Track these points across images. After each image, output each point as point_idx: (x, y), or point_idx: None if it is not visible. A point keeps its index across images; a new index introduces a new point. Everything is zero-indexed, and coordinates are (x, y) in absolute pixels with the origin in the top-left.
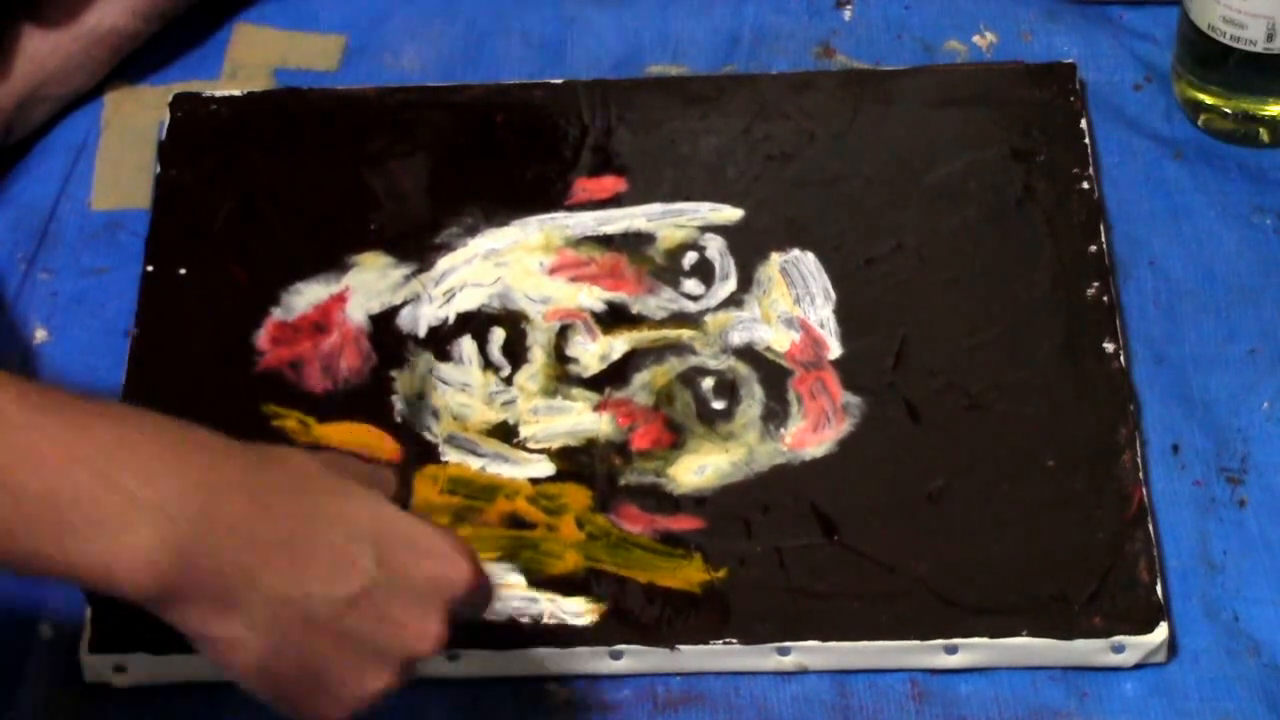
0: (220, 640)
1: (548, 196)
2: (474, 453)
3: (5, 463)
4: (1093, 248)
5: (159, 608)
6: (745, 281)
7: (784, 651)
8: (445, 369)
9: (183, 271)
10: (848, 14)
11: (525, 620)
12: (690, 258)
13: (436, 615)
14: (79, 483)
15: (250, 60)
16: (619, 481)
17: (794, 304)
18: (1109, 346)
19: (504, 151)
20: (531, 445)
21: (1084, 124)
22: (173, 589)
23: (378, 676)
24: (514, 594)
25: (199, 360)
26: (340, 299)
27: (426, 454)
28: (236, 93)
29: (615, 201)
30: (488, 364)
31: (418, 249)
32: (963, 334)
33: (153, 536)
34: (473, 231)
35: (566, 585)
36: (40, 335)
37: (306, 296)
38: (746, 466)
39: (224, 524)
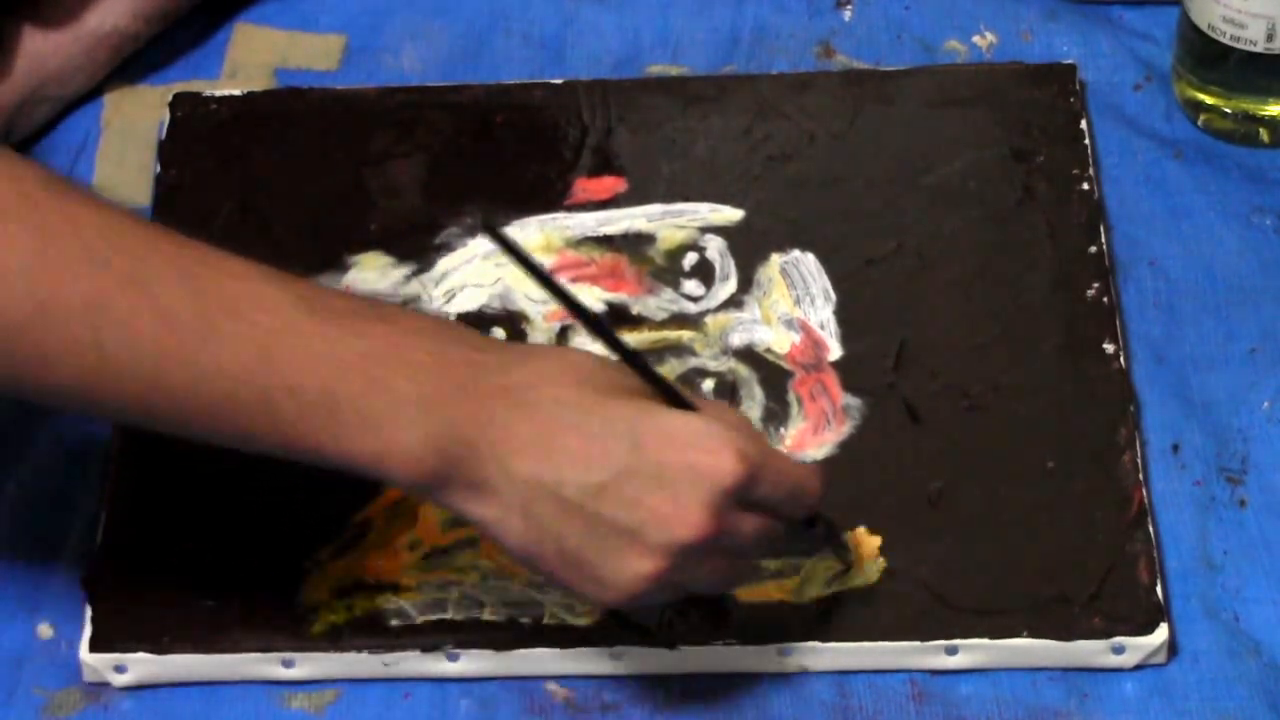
0: (484, 521)
1: (548, 197)
2: None
3: (289, 366)
4: (1093, 248)
5: (426, 494)
6: (745, 282)
7: (784, 652)
8: None
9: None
10: (848, 14)
11: (525, 620)
12: (690, 258)
13: (697, 503)
14: (352, 385)
15: (250, 60)
16: None
17: (794, 305)
18: (1109, 347)
19: (504, 151)
20: None
21: (1084, 124)
22: (435, 478)
23: (638, 561)
24: (515, 585)
25: None
26: None
27: None
28: (236, 93)
29: (615, 202)
30: None
31: (418, 249)
32: (963, 334)
33: (416, 434)
34: (473, 231)
35: None
36: None
37: None
38: None
39: (482, 418)
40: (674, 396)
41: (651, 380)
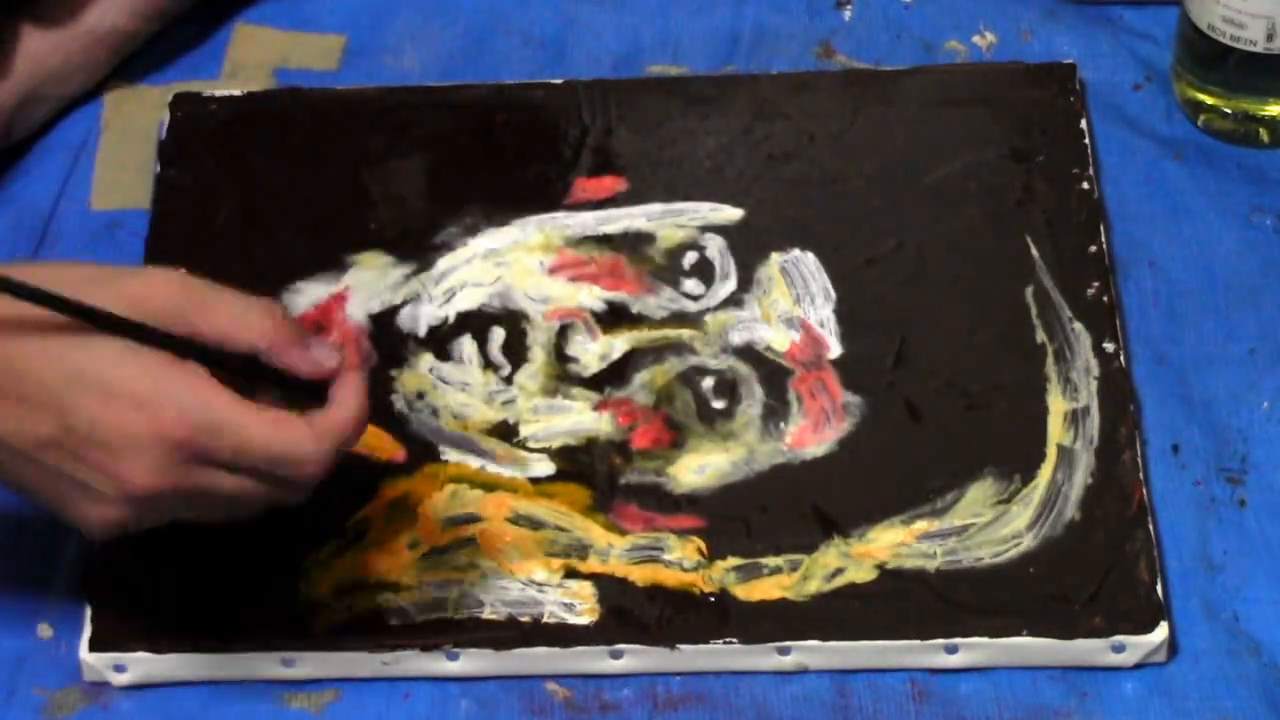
0: None
1: (548, 196)
2: (474, 452)
3: None
4: (1093, 248)
5: None
6: (745, 281)
7: (784, 651)
8: (445, 368)
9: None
10: (848, 14)
11: (525, 620)
12: (690, 257)
13: (137, 461)
14: None
15: (250, 60)
16: (619, 481)
17: (794, 304)
18: (1109, 346)
19: (504, 151)
20: (531, 445)
21: (1084, 124)
22: None
23: (99, 509)
24: (515, 585)
25: None
26: (340, 298)
27: (427, 453)
28: (236, 93)
29: (615, 201)
30: (488, 363)
31: (417, 249)
32: (963, 334)
33: None
34: (472, 231)
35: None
36: None
37: (307, 296)
38: (746, 466)
39: None
40: (131, 329)
41: (90, 318)
